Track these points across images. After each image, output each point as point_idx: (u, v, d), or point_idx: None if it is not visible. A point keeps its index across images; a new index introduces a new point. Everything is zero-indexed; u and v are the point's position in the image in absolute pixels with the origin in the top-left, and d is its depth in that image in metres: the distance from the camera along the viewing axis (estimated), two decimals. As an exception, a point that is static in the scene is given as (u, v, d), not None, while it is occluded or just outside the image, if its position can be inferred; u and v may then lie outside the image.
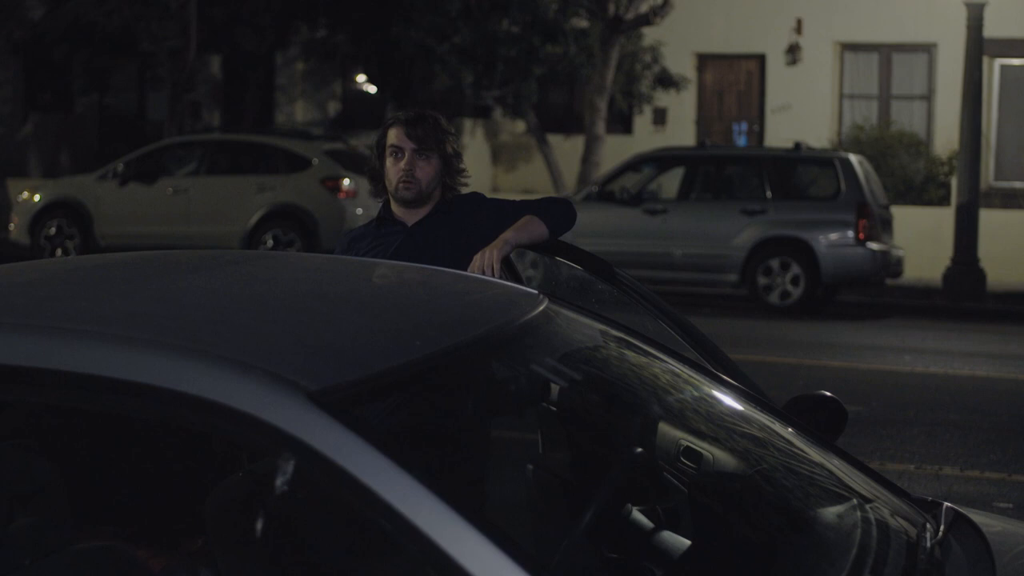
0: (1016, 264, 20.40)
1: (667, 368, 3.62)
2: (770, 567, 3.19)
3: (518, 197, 5.28)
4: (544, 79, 25.66)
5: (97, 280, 3.35)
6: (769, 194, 17.90)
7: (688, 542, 3.36)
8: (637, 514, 3.35)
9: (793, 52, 26.14)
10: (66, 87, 28.63)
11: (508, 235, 4.65)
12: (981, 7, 18.87)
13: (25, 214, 20.86)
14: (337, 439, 2.54)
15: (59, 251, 20.47)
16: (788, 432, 3.59)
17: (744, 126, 26.72)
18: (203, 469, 3.27)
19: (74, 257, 15.03)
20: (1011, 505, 8.09)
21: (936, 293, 19.17)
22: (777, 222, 17.73)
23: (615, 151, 23.88)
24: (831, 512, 3.36)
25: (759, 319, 16.97)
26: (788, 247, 17.66)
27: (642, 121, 27.10)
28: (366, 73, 27.58)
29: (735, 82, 26.95)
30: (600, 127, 23.43)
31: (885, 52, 25.91)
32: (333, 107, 28.96)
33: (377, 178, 4.89)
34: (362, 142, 23.42)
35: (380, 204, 4.95)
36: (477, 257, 4.57)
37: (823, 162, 18.05)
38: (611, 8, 23.26)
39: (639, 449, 3.42)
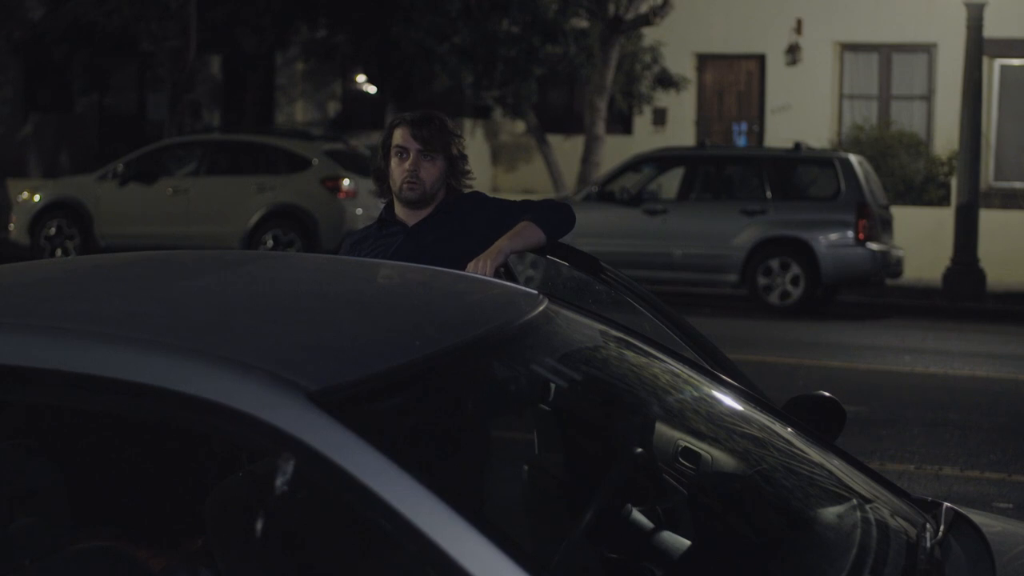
0: (1016, 264, 20.40)
1: (667, 368, 3.62)
2: (770, 567, 3.19)
3: (518, 197, 5.27)
4: (544, 79, 25.66)
5: (97, 280, 3.36)
6: (769, 194, 17.90)
7: (688, 542, 3.36)
8: (637, 514, 3.35)
9: (793, 52, 26.13)
10: (66, 87, 28.62)
11: (503, 243, 4.64)
12: (981, 7, 18.88)
13: (25, 214, 20.86)
14: (337, 439, 2.54)
15: (59, 251, 20.46)
16: (788, 432, 3.59)
17: (744, 126, 26.72)
18: (203, 469, 3.27)
19: (74, 257, 15.01)
20: (1011, 505, 8.09)
21: (936, 293, 19.17)
22: (777, 222, 17.73)
23: (615, 151, 23.88)
24: (831, 512, 3.36)
25: (759, 319, 16.97)
26: (788, 247, 17.66)
27: (642, 121, 27.09)
28: (366, 73, 27.58)
29: (735, 82, 26.95)
30: (600, 127, 23.43)
31: (885, 52, 25.91)
32: (333, 107, 28.96)
33: (382, 178, 4.89)
34: (362, 142, 23.43)
35: (383, 204, 4.95)
36: (471, 264, 4.56)
37: (823, 162, 18.05)
38: (611, 8, 23.26)
39: (639, 449, 3.42)
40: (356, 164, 20.19)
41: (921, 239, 20.71)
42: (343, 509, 2.63)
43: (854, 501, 3.37)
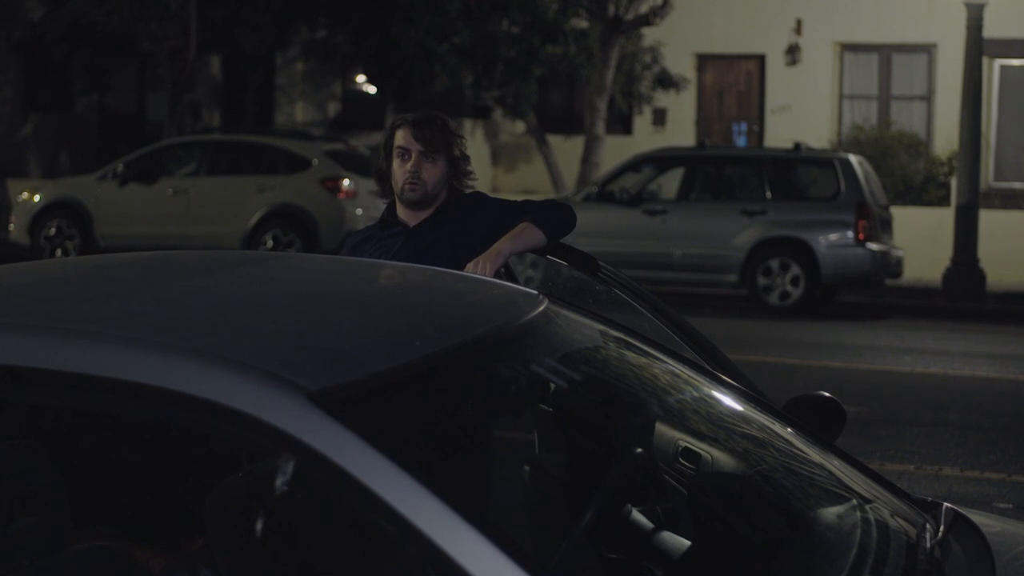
0: (1016, 264, 20.40)
1: (667, 369, 3.62)
2: (770, 567, 3.19)
3: (518, 198, 5.27)
4: (544, 79, 25.65)
5: (97, 280, 3.36)
6: (769, 194, 17.90)
7: (688, 542, 3.36)
8: (637, 514, 3.35)
9: (793, 52, 26.13)
10: (66, 87, 28.61)
11: (503, 245, 4.63)
12: (981, 7, 18.87)
13: (25, 214, 20.85)
14: (337, 439, 2.54)
15: (59, 251, 20.46)
16: (788, 432, 3.59)
17: (744, 126, 26.72)
18: (203, 469, 3.27)
19: (74, 257, 15.00)
20: (1011, 505, 8.09)
21: (936, 293, 19.17)
22: (777, 222, 17.73)
23: (615, 151, 23.88)
24: (831, 512, 3.36)
25: (759, 319, 16.97)
26: (788, 247, 17.66)
27: (642, 121, 27.09)
28: (366, 73, 27.57)
29: (735, 82, 26.94)
30: (600, 127, 23.43)
31: (885, 52, 25.91)
32: (333, 107, 28.95)
33: (384, 179, 4.89)
34: (362, 142, 23.43)
35: (384, 205, 4.95)
36: (470, 265, 4.56)
37: (823, 162, 18.05)
38: (611, 8, 23.26)
39: (639, 449, 3.42)
40: (356, 164, 20.19)
41: (921, 239, 20.71)
42: (343, 509, 2.63)
43: (854, 501, 3.37)
